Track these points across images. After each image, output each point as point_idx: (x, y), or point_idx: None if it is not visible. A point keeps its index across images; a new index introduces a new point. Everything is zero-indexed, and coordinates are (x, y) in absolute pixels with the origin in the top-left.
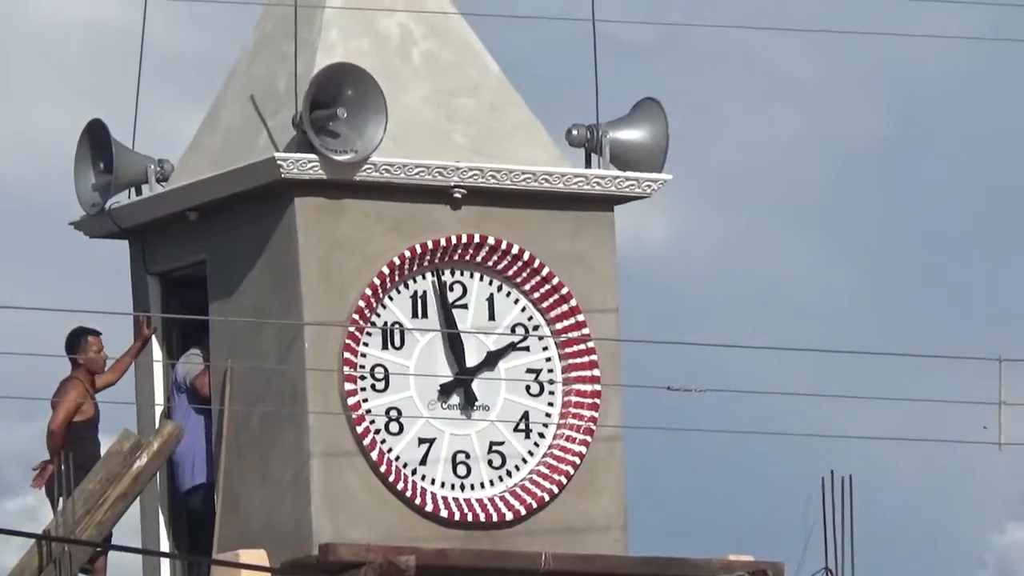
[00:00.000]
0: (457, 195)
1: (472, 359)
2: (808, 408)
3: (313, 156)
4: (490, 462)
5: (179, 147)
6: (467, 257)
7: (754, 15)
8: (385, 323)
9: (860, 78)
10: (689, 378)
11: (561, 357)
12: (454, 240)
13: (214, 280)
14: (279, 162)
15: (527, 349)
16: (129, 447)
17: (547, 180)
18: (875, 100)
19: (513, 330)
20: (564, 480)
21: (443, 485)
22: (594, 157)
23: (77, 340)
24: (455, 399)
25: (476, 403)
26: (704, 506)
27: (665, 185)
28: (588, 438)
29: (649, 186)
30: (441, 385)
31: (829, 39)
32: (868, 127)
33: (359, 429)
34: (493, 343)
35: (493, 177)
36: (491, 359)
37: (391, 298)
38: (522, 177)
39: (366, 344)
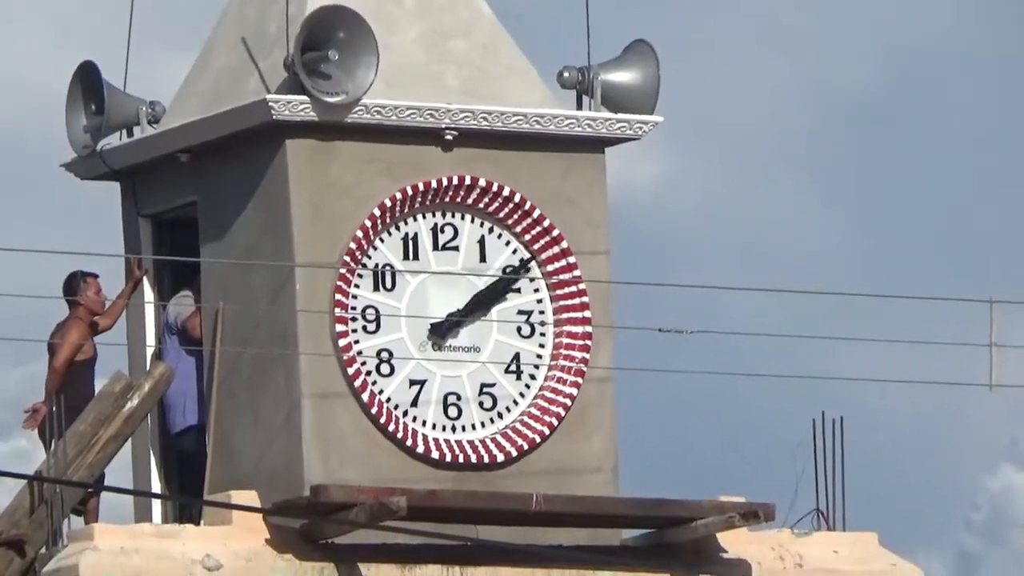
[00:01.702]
0: (448, 137)
1: (463, 302)
2: (799, 350)
3: (304, 98)
4: (481, 404)
5: (171, 89)
6: (458, 199)
7: None
8: (376, 265)
9: (849, 24)
10: (680, 320)
11: (552, 299)
12: (445, 182)
13: (205, 222)
14: (270, 104)
15: (518, 291)
16: (120, 388)
17: (538, 122)
18: (864, 46)
19: (504, 272)
20: (555, 422)
21: (434, 427)
22: (585, 99)
23: (75, 282)
24: (449, 340)
25: (446, 344)
26: (695, 448)
27: (656, 127)
28: (579, 380)
29: (640, 128)
30: (432, 325)
31: None
32: (857, 72)
33: (350, 371)
34: (484, 285)
35: (484, 119)
36: (482, 302)
37: (382, 240)
38: (513, 119)
39: (357, 286)
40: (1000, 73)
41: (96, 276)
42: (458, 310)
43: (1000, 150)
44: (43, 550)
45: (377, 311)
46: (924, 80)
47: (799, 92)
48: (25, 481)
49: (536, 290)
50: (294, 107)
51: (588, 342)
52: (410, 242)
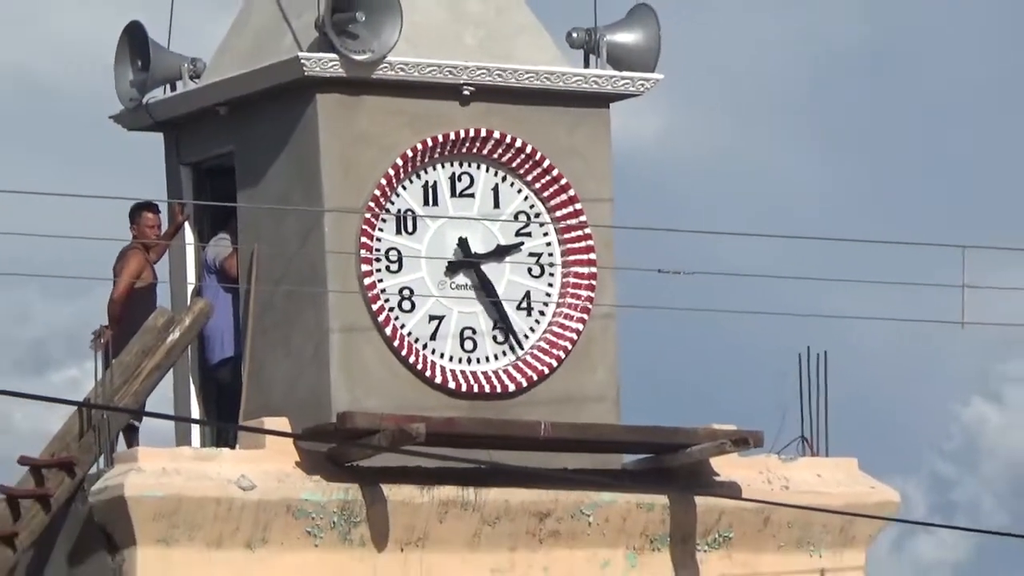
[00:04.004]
0: (466, 92)
1: (479, 247)
2: (787, 289)
3: (334, 56)
4: (495, 338)
5: (211, 47)
6: (474, 150)
7: None
8: (399, 210)
9: None
10: (677, 262)
11: (560, 242)
12: (463, 134)
13: (242, 170)
14: (302, 61)
15: (529, 235)
16: (163, 322)
17: (549, 79)
18: (856, 3)
19: (516, 217)
20: (562, 355)
21: (451, 359)
22: (592, 58)
23: (136, 212)
24: (462, 279)
25: (487, 285)
26: (691, 379)
27: (657, 84)
28: (585, 316)
29: (642, 85)
30: (449, 263)
31: None
32: (849, 28)
33: (374, 307)
34: (499, 230)
35: (499, 76)
36: (500, 251)
37: (404, 187)
38: (526, 76)
39: (381, 229)
40: (986, 27)
41: (158, 211)
42: (478, 253)
43: (985, 102)
44: (91, 471)
45: (399, 252)
46: (906, 32)
47: (788, 47)
48: (75, 407)
49: (545, 234)
50: (324, 64)
51: (593, 282)
52: (430, 189)
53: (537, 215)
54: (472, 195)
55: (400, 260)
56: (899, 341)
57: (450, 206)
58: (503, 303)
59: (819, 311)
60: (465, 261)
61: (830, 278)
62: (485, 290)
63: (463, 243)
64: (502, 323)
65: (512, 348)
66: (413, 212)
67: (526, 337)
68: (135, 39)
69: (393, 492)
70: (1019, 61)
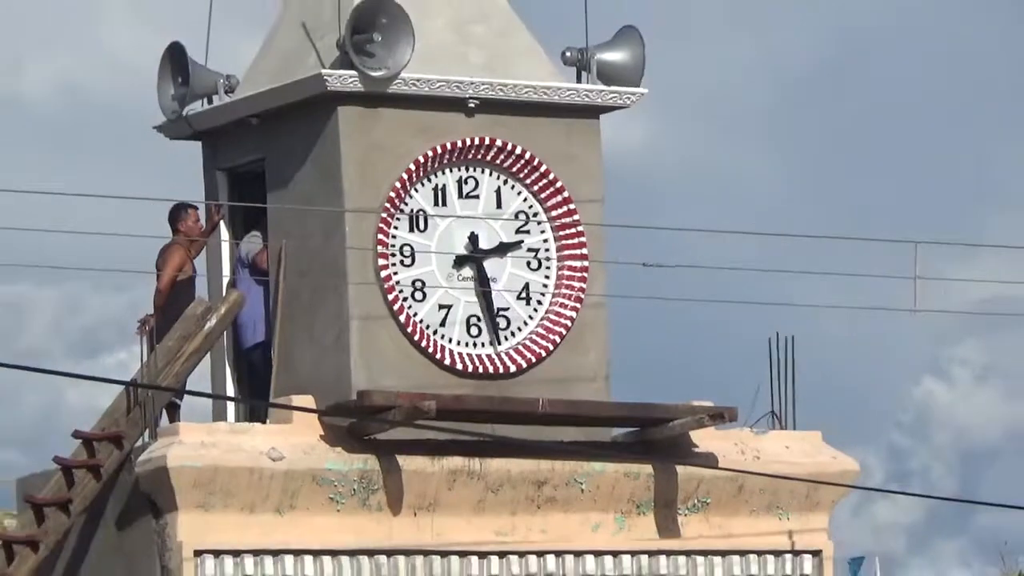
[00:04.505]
0: (471, 105)
1: (483, 244)
2: (759, 281)
3: (353, 72)
4: (497, 324)
5: (244, 64)
6: (479, 156)
7: None
8: (411, 210)
9: (806, 8)
10: (661, 257)
11: (556, 239)
12: (468, 142)
13: (271, 174)
14: (325, 77)
15: (528, 232)
16: (201, 311)
17: (545, 93)
18: (815, 25)
19: (516, 216)
20: (558, 340)
21: (459, 343)
22: (584, 74)
23: (179, 211)
24: (468, 271)
25: (488, 278)
26: (673, 361)
27: (642, 97)
28: (578, 305)
29: (629, 98)
30: (456, 258)
31: None
32: (811, 52)
33: (390, 297)
34: (501, 228)
35: (501, 90)
36: (502, 248)
37: (416, 190)
38: (525, 90)
39: (396, 228)
40: (929, 51)
41: (196, 208)
42: (483, 249)
43: (925, 121)
44: (138, 443)
45: (412, 248)
46: (864, 55)
47: (760, 67)
48: (123, 387)
49: (543, 232)
50: (345, 80)
51: (585, 274)
52: (439, 191)
53: (535, 214)
54: (477, 197)
55: (413, 255)
56: (858, 327)
57: (457, 206)
58: (492, 301)
59: (787, 300)
60: (471, 256)
61: (797, 270)
62: (481, 284)
63: (473, 238)
64: (489, 321)
65: (493, 342)
66: (424, 212)
67: (513, 335)
68: (176, 58)
69: (407, 462)
70: (959, 68)
